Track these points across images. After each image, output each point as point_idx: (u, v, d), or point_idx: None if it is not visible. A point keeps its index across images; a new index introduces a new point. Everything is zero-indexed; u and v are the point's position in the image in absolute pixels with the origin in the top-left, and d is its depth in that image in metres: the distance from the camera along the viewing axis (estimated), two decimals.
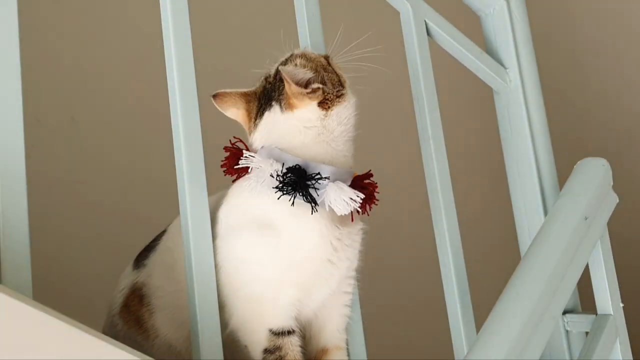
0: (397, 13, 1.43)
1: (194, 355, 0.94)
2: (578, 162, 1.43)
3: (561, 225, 1.25)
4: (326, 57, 1.08)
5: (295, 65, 1.04)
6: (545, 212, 1.52)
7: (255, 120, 1.06)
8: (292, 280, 0.99)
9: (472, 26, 1.73)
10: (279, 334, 0.99)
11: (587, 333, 1.41)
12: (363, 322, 1.16)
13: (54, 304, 0.72)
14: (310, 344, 1.08)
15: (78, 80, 1.85)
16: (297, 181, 0.96)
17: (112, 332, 1.11)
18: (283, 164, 0.97)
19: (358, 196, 0.97)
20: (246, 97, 1.09)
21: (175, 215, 1.06)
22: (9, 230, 0.76)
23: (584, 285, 1.43)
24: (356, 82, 1.10)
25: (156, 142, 1.61)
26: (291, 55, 1.07)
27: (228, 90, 1.09)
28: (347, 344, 1.12)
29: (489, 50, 1.65)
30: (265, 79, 1.08)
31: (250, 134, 1.08)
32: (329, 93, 1.02)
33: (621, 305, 1.39)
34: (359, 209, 0.99)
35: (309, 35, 1.20)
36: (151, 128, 1.73)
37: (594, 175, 1.37)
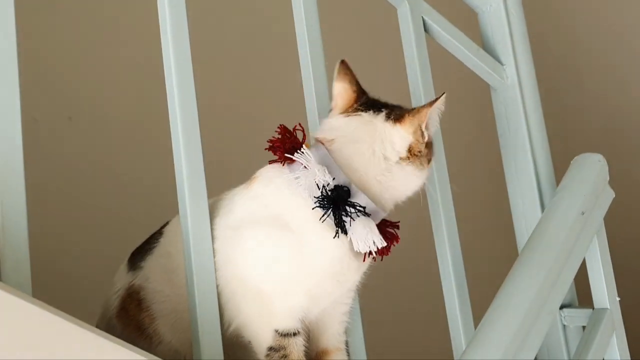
0: (395, 10, 1.43)
1: (195, 356, 0.95)
2: (575, 158, 1.43)
3: (558, 220, 1.26)
4: None
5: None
6: (543, 208, 1.53)
7: (350, 110, 1.04)
8: (301, 287, 0.99)
9: (470, 23, 1.74)
10: (284, 335, 0.99)
11: (584, 327, 1.41)
12: (362, 322, 1.17)
13: (53, 301, 0.72)
14: (310, 345, 1.08)
15: (75, 80, 1.85)
16: (339, 203, 0.95)
17: (110, 333, 1.11)
18: (334, 179, 0.95)
19: (380, 242, 0.96)
20: (359, 86, 1.08)
21: (173, 215, 1.06)
22: (8, 228, 0.76)
23: (581, 280, 1.44)
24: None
25: (154, 142, 1.62)
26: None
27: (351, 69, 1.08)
28: (347, 345, 1.13)
29: (486, 47, 1.65)
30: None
31: (332, 115, 1.06)
32: (427, 153, 1.03)
33: (618, 299, 1.40)
34: (374, 254, 0.98)
35: (306, 32, 1.20)
36: (149, 128, 1.73)
37: (590, 171, 1.37)
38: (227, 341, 1.00)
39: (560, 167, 1.51)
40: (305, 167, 0.95)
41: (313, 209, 0.94)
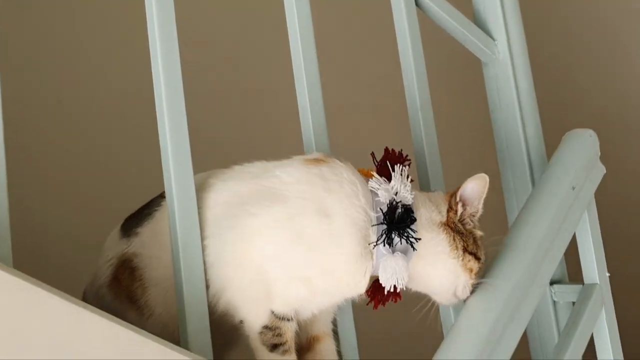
0: None
1: (181, 331, 0.95)
2: (566, 133, 1.43)
3: (549, 194, 1.26)
4: None
5: None
6: (533, 183, 1.53)
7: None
8: (308, 282, 0.98)
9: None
10: (280, 317, 0.99)
11: (574, 304, 1.42)
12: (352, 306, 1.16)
13: (34, 274, 0.72)
14: (300, 331, 1.07)
15: (64, 63, 1.82)
16: (401, 225, 0.97)
17: (98, 303, 1.09)
18: (409, 206, 0.99)
19: (402, 283, 0.98)
20: None
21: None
22: None
23: (572, 257, 1.44)
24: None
25: (142, 124, 1.60)
26: None
27: None
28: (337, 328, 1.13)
29: (478, 21, 1.64)
30: None
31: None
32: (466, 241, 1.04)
33: (607, 274, 1.40)
34: (387, 294, 1.00)
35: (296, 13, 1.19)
36: (137, 110, 1.72)
37: (581, 146, 1.37)
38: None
39: (552, 144, 1.50)
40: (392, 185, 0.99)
41: (374, 225, 0.96)
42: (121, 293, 1.07)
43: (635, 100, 2.76)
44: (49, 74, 1.79)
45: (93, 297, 1.12)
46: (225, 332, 1.05)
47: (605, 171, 1.41)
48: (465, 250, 1.03)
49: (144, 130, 1.67)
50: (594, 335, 1.36)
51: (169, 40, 0.98)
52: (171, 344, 0.80)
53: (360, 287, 1.00)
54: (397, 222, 0.97)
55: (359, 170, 1.04)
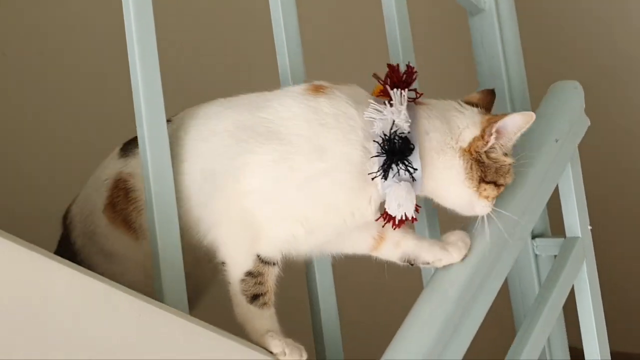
0: None
1: (155, 281, 0.93)
2: (551, 85, 1.41)
3: (531, 147, 1.23)
4: None
5: None
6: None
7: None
8: (305, 220, 0.97)
9: None
10: (265, 262, 0.97)
11: (556, 257, 1.41)
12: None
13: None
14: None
15: (8, 15, 1.75)
16: (398, 156, 0.95)
17: (88, 228, 1.06)
18: (408, 132, 0.96)
19: (410, 213, 0.97)
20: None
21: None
22: None
23: (556, 212, 1.44)
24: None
25: (98, 71, 1.57)
26: None
27: None
28: None
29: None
30: None
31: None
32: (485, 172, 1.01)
33: (589, 227, 1.40)
34: (396, 220, 0.98)
35: None
36: (93, 55, 1.68)
37: (565, 98, 1.35)
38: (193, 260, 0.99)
39: (538, 95, 1.47)
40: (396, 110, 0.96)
41: (373, 157, 0.95)
42: (116, 217, 1.04)
43: (624, 50, 2.73)
44: None
45: (82, 221, 1.09)
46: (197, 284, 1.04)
47: (589, 123, 1.39)
48: (482, 180, 1.01)
49: (101, 77, 1.63)
50: (575, 288, 1.37)
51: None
52: (140, 295, 0.78)
53: (367, 215, 0.99)
54: (395, 153, 0.95)
55: (374, 92, 1.03)
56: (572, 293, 1.35)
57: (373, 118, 0.96)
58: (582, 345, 1.37)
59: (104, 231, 1.05)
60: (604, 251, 1.58)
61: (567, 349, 1.53)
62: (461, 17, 1.71)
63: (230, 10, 2.09)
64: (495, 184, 1.02)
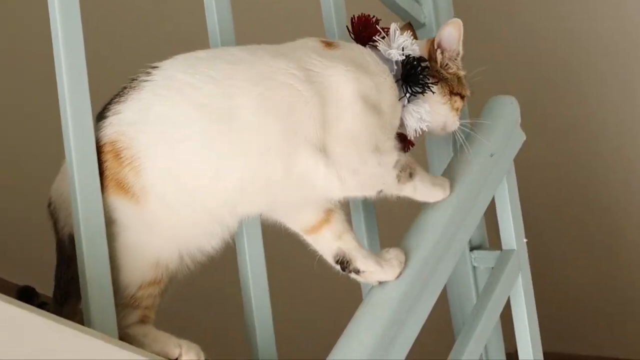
0: None
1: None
2: (488, 100, 1.43)
3: (466, 162, 1.25)
4: None
5: None
6: (456, 150, 1.53)
7: None
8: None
9: None
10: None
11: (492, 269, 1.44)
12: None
13: None
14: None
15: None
16: (414, 75, 1.08)
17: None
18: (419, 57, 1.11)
19: (425, 125, 1.11)
20: None
21: None
22: None
23: (495, 224, 1.46)
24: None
25: None
26: None
27: None
28: None
29: None
30: None
31: None
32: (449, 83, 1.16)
33: (525, 240, 1.42)
34: (414, 132, 1.12)
35: None
36: None
37: (501, 113, 1.37)
38: None
39: (475, 112, 1.50)
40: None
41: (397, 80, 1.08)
42: (108, 184, 0.94)
43: (560, 64, 2.80)
44: None
45: (65, 205, 1.00)
46: None
47: (525, 138, 1.42)
48: (451, 93, 1.14)
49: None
50: (511, 300, 1.39)
51: None
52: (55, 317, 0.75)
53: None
54: (412, 75, 1.08)
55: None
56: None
57: (387, 49, 1.09)
58: None
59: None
60: (544, 259, 1.61)
61: (504, 356, 1.55)
62: None
63: None
64: (460, 96, 1.16)
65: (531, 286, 1.41)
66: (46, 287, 1.05)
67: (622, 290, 2.94)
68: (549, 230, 2.94)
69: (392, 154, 1.05)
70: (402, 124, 1.12)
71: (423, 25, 1.57)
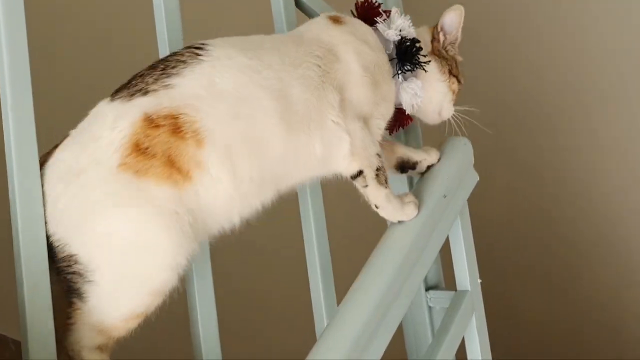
0: None
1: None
2: (442, 141, 1.44)
3: (421, 201, 1.26)
4: None
5: None
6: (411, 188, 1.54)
7: None
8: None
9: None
10: None
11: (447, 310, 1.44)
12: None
13: None
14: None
15: None
16: (408, 54, 1.21)
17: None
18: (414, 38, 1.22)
19: (419, 101, 1.24)
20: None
21: None
22: None
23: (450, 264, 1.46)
24: None
25: None
26: None
27: None
28: None
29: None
30: None
31: None
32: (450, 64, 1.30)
33: (479, 281, 1.43)
34: (411, 108, 1.25)
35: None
36: None
37: (454, 155, 1.38)
38: None
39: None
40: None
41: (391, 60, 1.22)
42: (152, 165, 0.90)
43: (512, 107, 2.86)
44: None
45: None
46: None
47: (478, 178, 1.43)
48: (450, 72, 1.28)
49: None
50: (465, 339, 1.39)
51: None
52: None
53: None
54: (407, 54, 1.20)
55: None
56: None
57: (385, 29, 1.21)
58: None
59: (130, 183, 0.90)
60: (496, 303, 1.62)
61: None
62: None
63: None
64: (457, 79, 1.29)
65: (485, 326, 1.42)
66: None
67: (579, 332, 2.97)
68: (510, 268, 2.97)
69: (376, 140, 1.15)
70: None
71: None
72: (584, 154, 2.79)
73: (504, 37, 2.84)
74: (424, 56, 1.22)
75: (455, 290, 1.44)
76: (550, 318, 3.02)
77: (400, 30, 1.21)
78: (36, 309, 0.86)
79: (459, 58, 1.31)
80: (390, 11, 1.26)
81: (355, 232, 2.23)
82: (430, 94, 1.26)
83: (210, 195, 0.94)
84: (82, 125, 0.97)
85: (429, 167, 1.34)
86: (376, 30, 1.23)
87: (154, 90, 0.94)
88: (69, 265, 0.90)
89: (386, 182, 1.15)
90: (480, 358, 1.39)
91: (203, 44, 1.01)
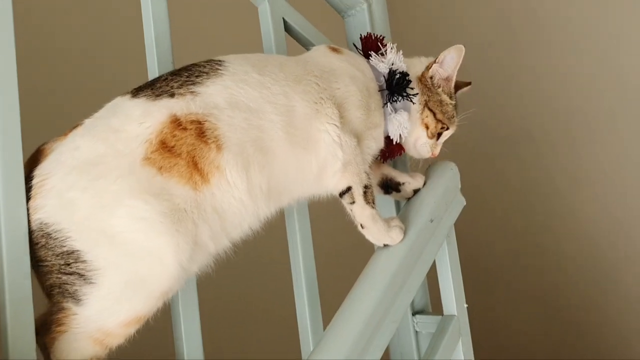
0: (256, 9, 1.40)
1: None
2: (429, 166, 1.45)
3: (408, 225, 1.26)
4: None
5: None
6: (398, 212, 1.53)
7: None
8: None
9: (333, 25, 1.73)
10: None
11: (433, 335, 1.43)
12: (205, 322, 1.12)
13: None
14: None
15: None
16: (396, 87, 1.25)
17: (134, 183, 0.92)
18: (404, 72, 1.27)
19: (405, 132, 1.26)
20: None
21: None
22: None
23: (437, 288, 1.46)
24: None
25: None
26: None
27: None
28: None
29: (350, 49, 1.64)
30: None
31: None
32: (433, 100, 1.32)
33: (465, 305, 1.43)
34: (393, 147, 1.30)
35: (153, 26, 1.14)
36: None
37: (442, 179, 1.39)
38: None
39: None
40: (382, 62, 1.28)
41: (380, 91, 1.25)
42: (177, 163, 0.95)
43: (499, 132, 2.87)
44: None
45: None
46: None
47: (465, 203, 1.44)
48: (426, 104, 1.30)
49: None
50: None
51: None
52: None
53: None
54: (396, 85, 1.25)
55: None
56: None
57: (377, 63, 1.27)
58: None
59: (151, 181, 0.92)
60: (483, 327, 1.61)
61: None
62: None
63: None
64: (435, 116, 1.30)
65: (471, 351, 1.41)
66: None
67: (566, 355, 2.96)
68: (497, 291, 2.97)
69: (366, 160, 1.20)
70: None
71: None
72: (568, 178, 2.81)
73: (494, 65, 2.87)
74: (412, 89, 1.28)
75: (442, 314, 1.43)
76: (539, 342, 3.01)
77: (392, 64, 1.27)
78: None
79: (448, 99, 1.32)
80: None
81: (342, 256, 2.23)
82: (405, 118, 1.28)
83: (225, 199, 0.98)
84: (98, 116, 0.99)
85: (415, 192, 1.34)
86: (370, 62, 1.29)
87: (181, 94, 1.00)
88: (68, 265, 0.87)
89: (373, 202, 1.17)
90: None
91: (221, 60, 1.08)
